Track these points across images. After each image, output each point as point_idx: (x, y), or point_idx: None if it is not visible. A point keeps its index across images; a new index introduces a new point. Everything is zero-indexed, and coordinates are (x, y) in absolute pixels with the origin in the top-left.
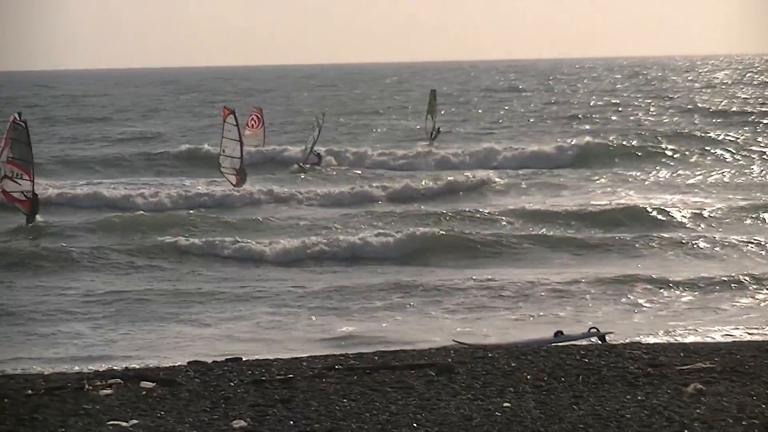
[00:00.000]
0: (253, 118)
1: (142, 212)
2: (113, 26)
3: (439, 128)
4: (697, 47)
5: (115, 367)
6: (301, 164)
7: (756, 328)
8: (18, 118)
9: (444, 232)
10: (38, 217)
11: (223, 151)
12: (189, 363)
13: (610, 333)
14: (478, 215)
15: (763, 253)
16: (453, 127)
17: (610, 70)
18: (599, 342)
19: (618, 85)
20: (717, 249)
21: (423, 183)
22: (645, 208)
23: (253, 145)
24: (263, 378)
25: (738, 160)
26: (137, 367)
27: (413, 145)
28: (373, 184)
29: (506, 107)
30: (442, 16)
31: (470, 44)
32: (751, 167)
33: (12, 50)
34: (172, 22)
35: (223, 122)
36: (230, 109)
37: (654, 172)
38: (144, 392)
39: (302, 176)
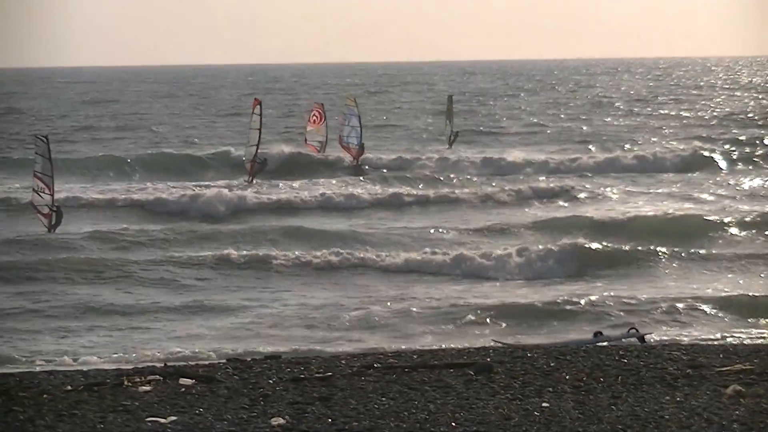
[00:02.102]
0: (314, 114)
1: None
2: (113, 23)
3: (457, 132)
4: (689, 49)
5: (155, 364)
6: (355, 162)
7: None
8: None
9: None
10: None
11: (248, 142)
12: (228, 360)
13: (649, 333)
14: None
15: None
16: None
17: (650, 69)
18: (638, 343)
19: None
20: None
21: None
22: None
23: (317, 141)
24: (302, 376)
25: None
26: (177, 364)
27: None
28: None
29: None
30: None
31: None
32: None
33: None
34: (185, 17)
35: (251, 113)
36: (259, 100)
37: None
38: (183, 389)
39: (361, 178)
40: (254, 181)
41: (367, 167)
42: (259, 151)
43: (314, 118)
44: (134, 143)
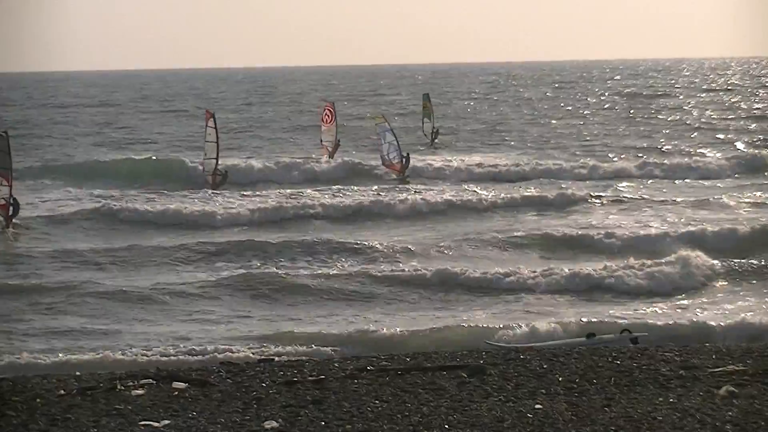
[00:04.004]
0: (326, 113)
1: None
2: (110, 27)
3: (437, 129)
4: (684, 50)
5: (148, 369)
6: (401, 175)
7: None
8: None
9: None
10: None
11: (205, 155)
12: (221, 363)
13: (643, 335)
14: None
15: None
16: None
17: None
18: (631, 344)
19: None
20: None
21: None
22: None
23: (328, 141)
24: (295, 379)
25: None
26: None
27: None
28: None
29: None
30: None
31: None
32: None
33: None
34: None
35: (205, 126)
36: (211, 112)
37: None
38: (176, 393)
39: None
40: (217, 192)
41: (407, 175)
42: (219, 163)
43: (326, 117)
44: (95, 147)
